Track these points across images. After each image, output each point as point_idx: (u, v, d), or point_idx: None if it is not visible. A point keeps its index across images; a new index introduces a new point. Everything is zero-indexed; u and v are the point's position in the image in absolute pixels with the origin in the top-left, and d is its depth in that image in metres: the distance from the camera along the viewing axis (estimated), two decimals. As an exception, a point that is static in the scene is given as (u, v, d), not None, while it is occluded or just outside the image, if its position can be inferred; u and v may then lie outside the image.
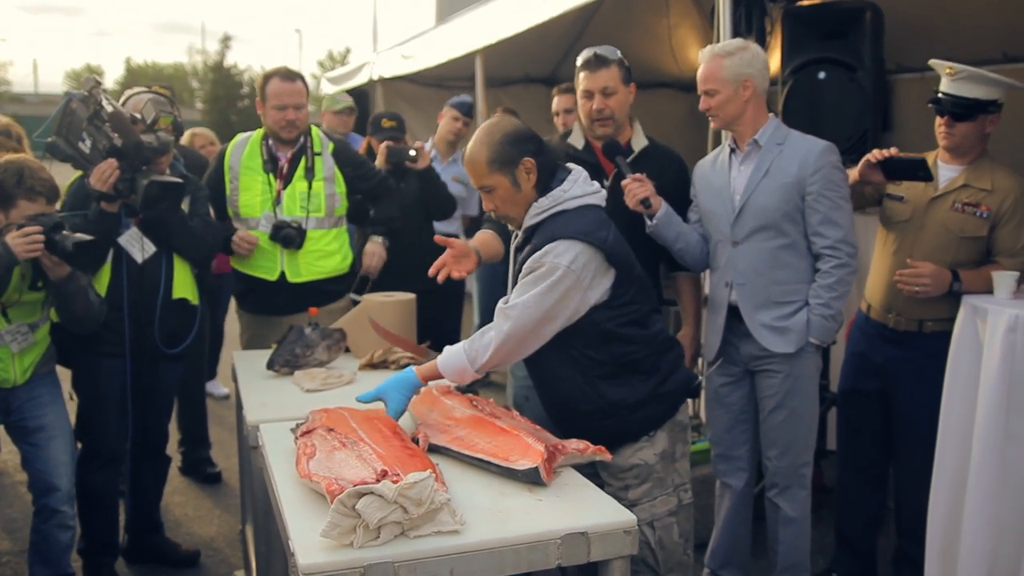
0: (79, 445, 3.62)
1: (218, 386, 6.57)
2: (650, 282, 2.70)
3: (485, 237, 3.04)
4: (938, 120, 3.18)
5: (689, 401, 2.84)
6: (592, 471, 2.55)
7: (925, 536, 3.07)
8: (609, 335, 2.56)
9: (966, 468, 2.88)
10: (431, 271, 2.89)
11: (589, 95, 3.31)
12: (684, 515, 2.72)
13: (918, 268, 3.12)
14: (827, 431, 4.28)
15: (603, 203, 2.66)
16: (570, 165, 2.70)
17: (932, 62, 3.18)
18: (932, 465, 3.03)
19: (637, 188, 3.19)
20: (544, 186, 2.58)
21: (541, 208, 2.56)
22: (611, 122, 3.32)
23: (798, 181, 3.10)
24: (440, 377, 2.60)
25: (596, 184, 2.68)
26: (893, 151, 3.17)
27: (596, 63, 3.29)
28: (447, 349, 2.61)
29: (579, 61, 3.34)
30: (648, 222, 3.24)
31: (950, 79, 3.11)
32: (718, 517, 3.49)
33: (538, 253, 2.49)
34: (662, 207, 3.22)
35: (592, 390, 2.61)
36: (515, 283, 2.59)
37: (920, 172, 3.15)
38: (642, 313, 2.60)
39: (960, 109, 3.10)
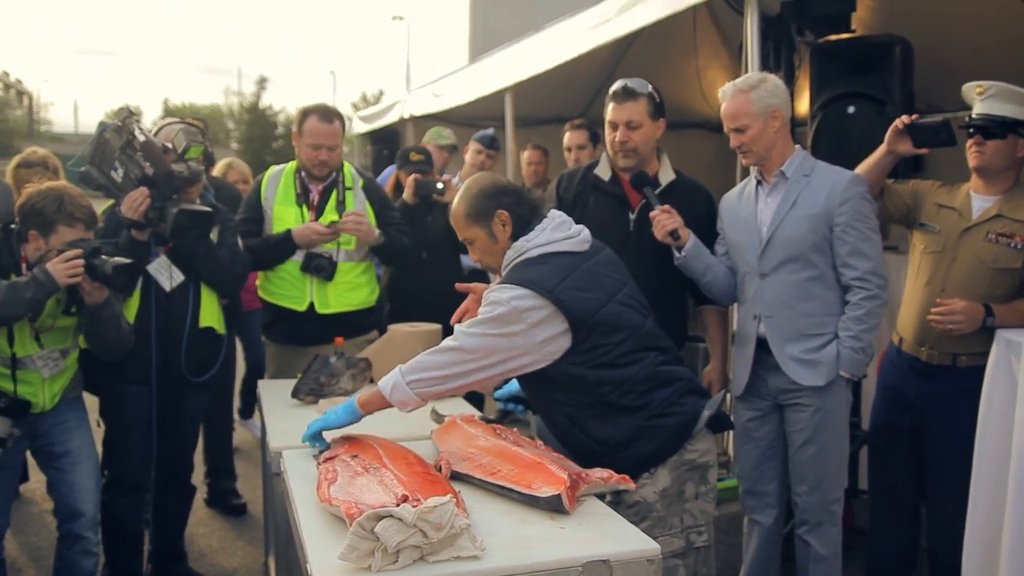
0: (104, 472, 3.62)
1: (256, 425, 6.55)
2: (637, 320, 2.61)
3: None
4: (969, 142, 3.14)
5: (715, 439, 2.76)
6: (612, 504, 2.49)
7: (960, 576, 2.99)
8: (582, 379, 2.51)
9: (1002, 506, 2.81)
10: (452, 320, 2.88)
11: (614, 126, 3.33)
12: (698, 559, 2.61)
13: (950, 305, 3.07)
14: (858, 470, 4.20)
15: (579, 247, 2.62)
16: (552, 212, 2.71)
17: (964, 87, 3.15)
18: (967, 503, 2.96)
19: (666, 219, 3.18)
20: (518, 238, 2.62)
21: (508, 260, 2.62)
22: (633, 155, 3.33)
23: (826, 212, 3.07)
24: (383, 401, 2.52)
25: (574, 228, 2.66)
26: (916, 117, 3.15)
27: (624, 95, 3.30)
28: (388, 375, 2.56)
29: (610, 91, 3.36)
30: (676, 254, 3.24)
31: (980, 99, 3.08)
32: (746, 555, 3.42)
33: (488, 290, 2.55)
34: (690, 239, 3.21)
35: (579, 431, 2.58)
36: None
37: (943, 134, 3.11)
38: (617, 354, 2.52)
39: (991, 125, 3.07)
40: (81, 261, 3.09)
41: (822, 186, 3.11)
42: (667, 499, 2.56)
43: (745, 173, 3.41)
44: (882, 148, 3.22)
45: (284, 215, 4.04)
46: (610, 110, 3.34)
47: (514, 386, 2.95)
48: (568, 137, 5.11)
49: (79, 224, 3.20)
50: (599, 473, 2.32)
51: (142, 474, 3.69)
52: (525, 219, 2.64)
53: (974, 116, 3.11)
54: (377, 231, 4.05)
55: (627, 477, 2.35)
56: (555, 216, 2.68)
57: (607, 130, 3.37)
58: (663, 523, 2.55)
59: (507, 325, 2.44)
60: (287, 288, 4.04)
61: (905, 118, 3.17)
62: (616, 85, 3.35)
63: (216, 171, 5.56)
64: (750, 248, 3.21)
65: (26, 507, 4.96)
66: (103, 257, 3.15)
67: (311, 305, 4.01)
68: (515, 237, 2.62)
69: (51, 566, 3.48)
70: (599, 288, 2.56)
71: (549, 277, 2.49)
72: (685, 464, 2.58)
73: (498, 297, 2.47)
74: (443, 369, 2.47)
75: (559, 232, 2.62)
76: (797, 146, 3.23)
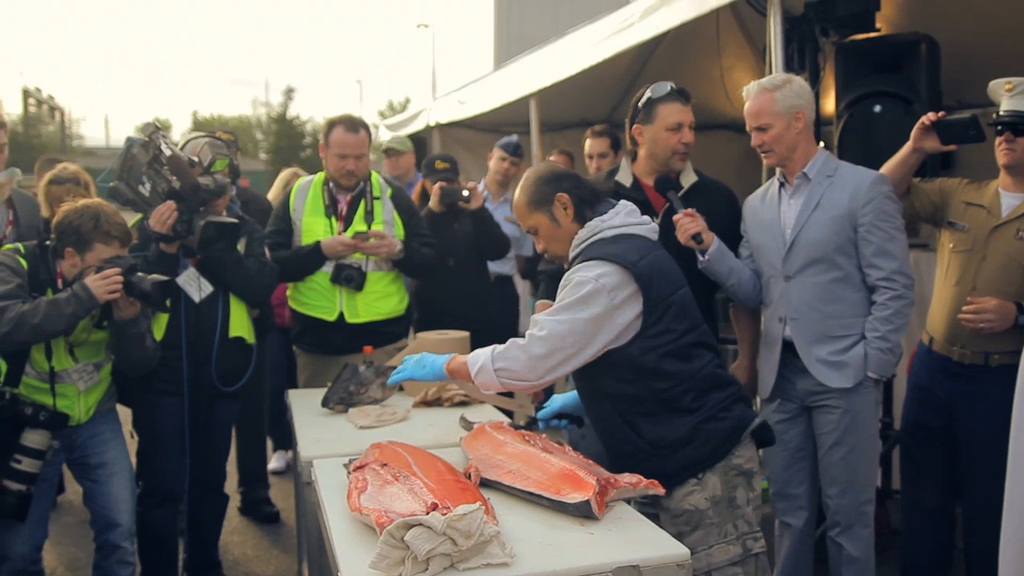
0: (139, 483, 3.67)
1: None
2: (698, 312, 2.62)
3: (546, 304, 3.02)
4: (998, 140, 3.10)
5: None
6: (653, 515, 2.46)
7: (996, 578, 2.96)
8: (645, 369, 2.49)
9: (1037, 506, 2.77)
10: None
11: (679, 127, 3.30)
12: (756, 565, 2.54)
13: (981, 303, 3.03)
14: (891, 470, 4.16)
15: (652, 235, 2.64)
16: (623, 201, 2.71)
17: (992, 83, 3.11)
18: (1002, 502, 2.92)
19: (688, 223, 3.18)
20: (584, 219, 2.63)
21: (580, 239, 2.62)
22: (688, 156, 3.32)
23: (850, 213, 3.05)
24: (467, 375, 2.56)
25: (645, 217, 2.68)
26: (943, 114, 3.12)
27: (685, 96, 3.30)
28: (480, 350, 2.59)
29: (660, 93, 3.31)
30: (700, 257, 3.23)
31: (1010, 96, 3.04)
32: (778, 557, 3.40)
33: (569, 271, 2.54)
34: (714, 242, 3.20)
35: (630, 430, 2.55)
36: None
37: (972, 130, 3.08)
38: (683, 344, 2.52)
39: (1022, 122, 3.02)
40: (120, 278, 3.15)
41: (845, 187, 3.09)
42: (719, 505, 2.51)
43: (770, 174, 3.39)
44: (908, 145, 3.20)
45: (313, 226, 4.08)
46: (675, 111, 3.29)
47: (556, 403, 2.91)
48: (589, 144, 5.10)
49: (115, 242, 3.26)
50: (628, 478, 2.32)
51: (176, 484, 3.74)
52: (587, 201, 2.66)
53: (1003, 113, 3.07)
54: (399, 246, 4.07)
55: (656, 482, 2.34)
56: (626, 204, 2.70)
57: (665, 133, 3.30)
58: (718, 530, 2.49)
59: (593, 305, 2.43)
60: (317, 298, 4.08)
61: (932, 115, 3.14)
62: (667, 86, 3.31)
63: (281, 179, 5.65)
64: (774, 251, 3.20)
65: (64, 518, 5.04)
66: (140, 274, 3.20)
67: (341, 315, 4.04)
68: (580, 219, 2.64)
69: (89, 576, 3.54)
70: (674, 272, 2.60)
71: (628, 252, 2.50)
72: (733, 469, 2.54)
73: (584, 276, 2.46)
74: (532, 355, 2.46)
75: (632, 217, 2.65)
76: (821, 146, 3.21)
